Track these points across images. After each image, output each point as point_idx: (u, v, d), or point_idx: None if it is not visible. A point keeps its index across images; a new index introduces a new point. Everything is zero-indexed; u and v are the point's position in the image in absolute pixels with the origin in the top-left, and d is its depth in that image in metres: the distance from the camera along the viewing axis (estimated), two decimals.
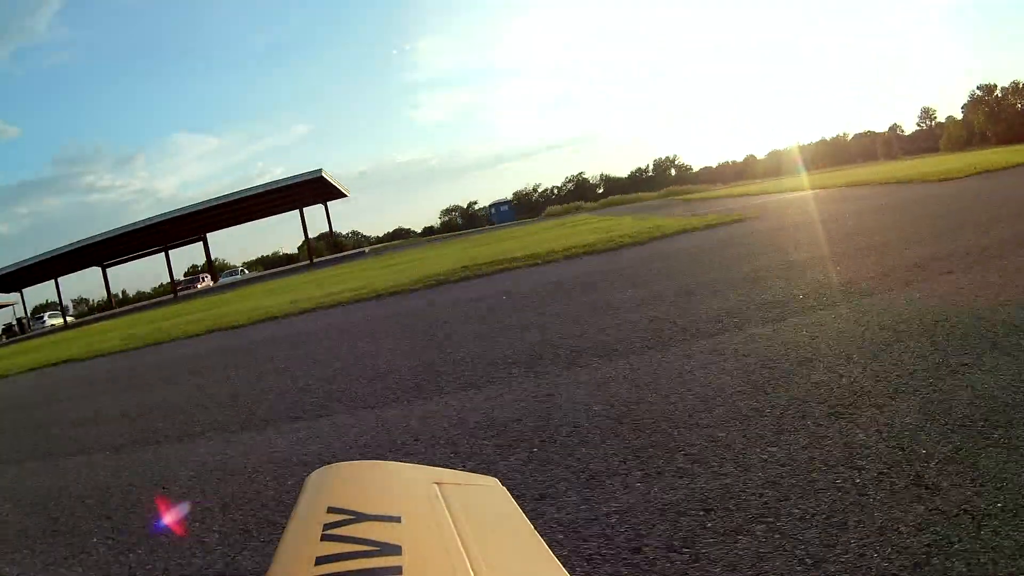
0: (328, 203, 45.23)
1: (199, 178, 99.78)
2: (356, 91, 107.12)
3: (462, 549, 0.45)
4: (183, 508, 2.31)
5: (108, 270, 47.51)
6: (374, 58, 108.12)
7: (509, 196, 61.25)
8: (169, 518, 2.24)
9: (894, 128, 63.03)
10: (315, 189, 40.86)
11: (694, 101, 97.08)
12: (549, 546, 0.50)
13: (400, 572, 0.40)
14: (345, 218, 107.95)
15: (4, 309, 49.72)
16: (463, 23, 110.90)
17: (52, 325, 43.90)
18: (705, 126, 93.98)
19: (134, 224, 40.15)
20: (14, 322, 47.20)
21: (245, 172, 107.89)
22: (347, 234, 46.57)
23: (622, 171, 74.25)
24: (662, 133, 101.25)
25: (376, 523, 0.46)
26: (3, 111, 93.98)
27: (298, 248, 52.99)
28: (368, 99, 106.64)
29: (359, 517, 0.47)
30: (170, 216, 40.32)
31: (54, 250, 39.17)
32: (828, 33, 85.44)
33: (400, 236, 62.92)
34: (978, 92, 58.07)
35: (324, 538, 0.43)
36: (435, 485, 0.56)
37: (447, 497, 0.54)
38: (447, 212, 75.45)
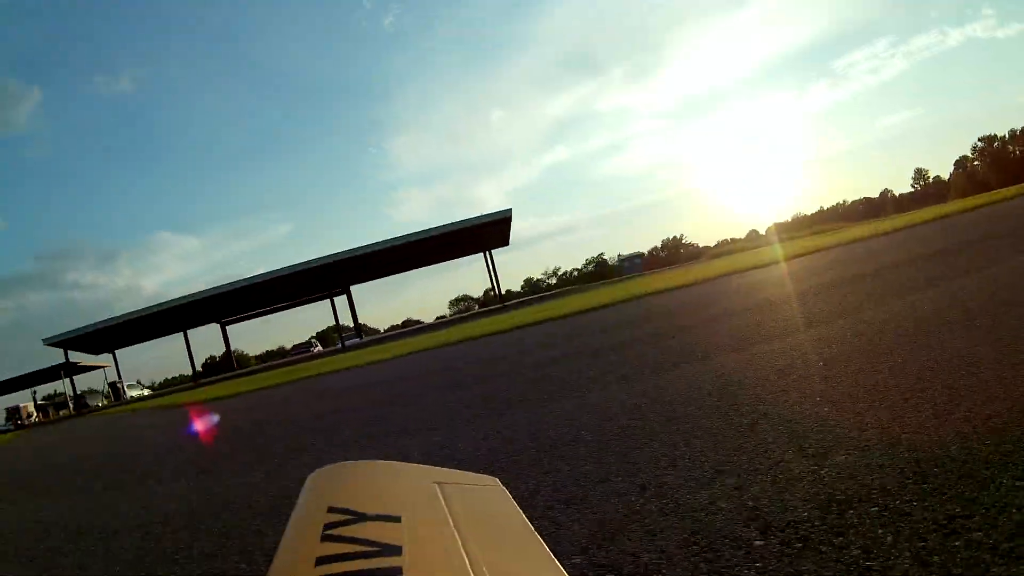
0: (492, 251, 44.53)
1: (182, 277, 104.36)
2: (336, 190, 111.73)
3: (462, 549, 0.44)
4: None
5: (227, 328, 44.54)
6: (352, 157, 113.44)
7: (521, 281, 65.64)
8: None
9: (886, 192, 70.38)
10: (475, 237, 40.08)
11: (697, 180, 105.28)
12: (548, 546, 0.49)
13: (401, 572, 0.39)
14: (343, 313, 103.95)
15: (93, 373, 46.64)
16: (439, 119, 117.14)
17: (132, 396, 41.96)
18: (708, 205, 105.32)
19: (259, 276, 38.19)
20: (105, 388, 44.86)
21: (228, 270, 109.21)
22: (350, 326, 46.38)
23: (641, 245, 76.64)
24: (670, 212, 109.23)
25: (376, 523, 0.45)
26: None
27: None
28: (347, 198, 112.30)
29: (359, 517, 0.46)
30: (302, 268, 38.53)
31: (166, 302, 37.84)
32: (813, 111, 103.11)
33: (410, 324, 64.39)
34: (979, 143, 66.81)
35: (324, 538, 0.43)
36: (435, 485, 0.55)
37: (447, 497, 0.53)
38: (457, 301, 79.47)
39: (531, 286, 77.42)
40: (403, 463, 0.59)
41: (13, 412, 41.58)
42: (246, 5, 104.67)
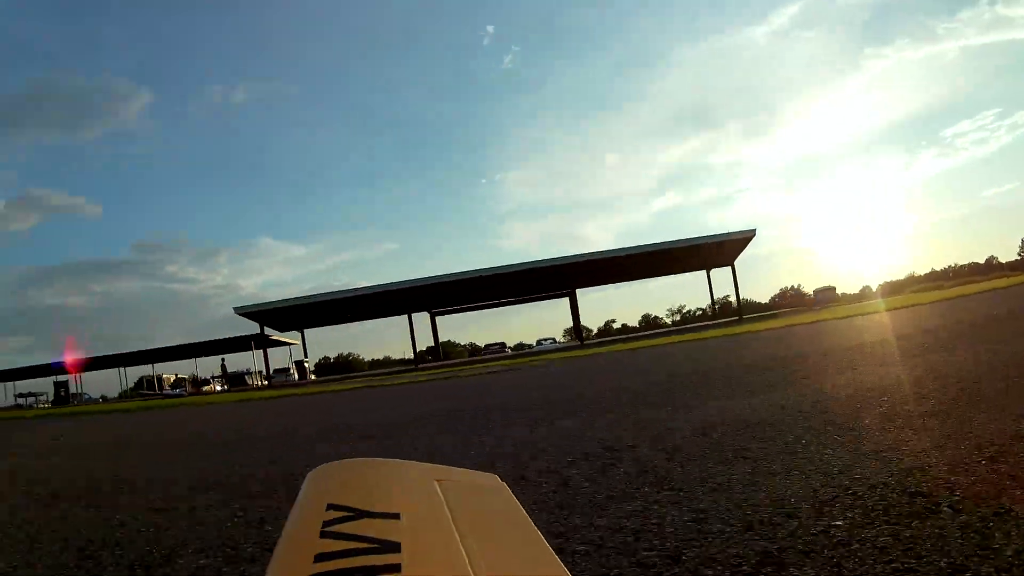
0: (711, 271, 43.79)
1: (282, 280, 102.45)
2: (443, 216, 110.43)
3: (461, 546, 0.44)
4: None
5: (435, 318, 45.77)
6: (462, 187, 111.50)
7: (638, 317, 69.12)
8: None
9: (991, 259, 72.77)
10: (704, 253, 39.76)
11: (804, 239, 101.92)
12: (549, 544, 0.49)
13: (399, 569, 0.39)
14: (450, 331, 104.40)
15: (279, 349, 47.31)
16: (551, 158, 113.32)
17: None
18: (815, 263, 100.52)
19: (470, 271, 38.90)
20: (291, 365, 45.81)
21: (325, 280, 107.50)
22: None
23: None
24: (778, 266, 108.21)
25: (375, 520, 0.45)
26: (87, 189, 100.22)
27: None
28: (455, 224, 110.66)
29: (359, 514, 0.46)
30: (523, 267, 38.89)
31: (372, 287, 38.42)
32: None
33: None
34: None
35: (323, 535, 0.43)
36: (435, 482, 0.55)
37: (447, 494, 0.53)
38: (678, 311, 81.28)
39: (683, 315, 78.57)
40: (403, 461, 0.59)
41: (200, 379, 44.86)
42: (370, 33, 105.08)
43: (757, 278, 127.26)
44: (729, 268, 42.34)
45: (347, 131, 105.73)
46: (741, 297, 45.54)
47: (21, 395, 47.51)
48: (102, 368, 50.59)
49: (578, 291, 45.75)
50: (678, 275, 48.55)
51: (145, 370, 50.99)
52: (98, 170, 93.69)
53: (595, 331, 72.91)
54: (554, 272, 38.58)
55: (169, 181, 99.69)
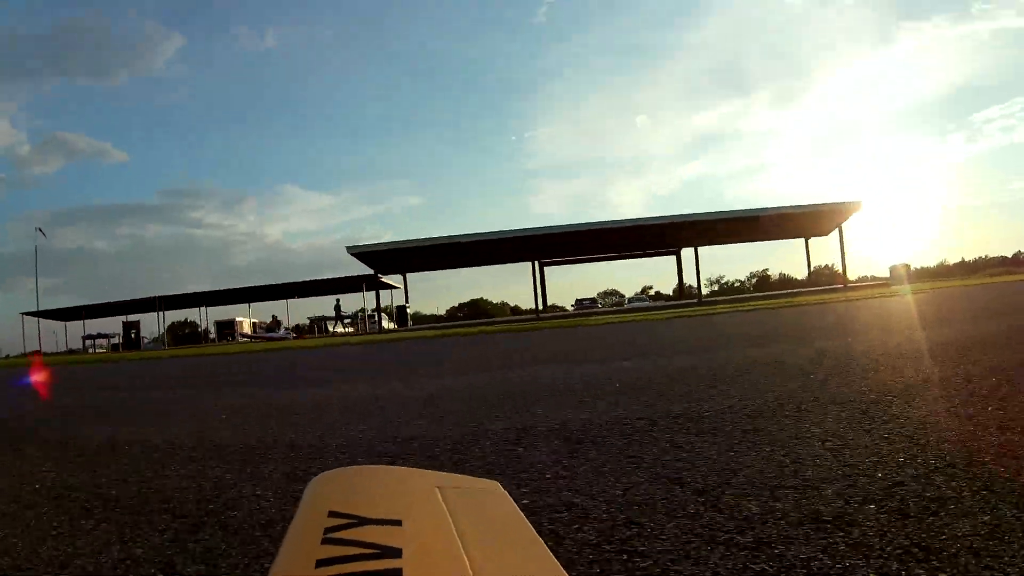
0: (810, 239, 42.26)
1: (306, 231, 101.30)
2: (470, 171, 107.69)
3: (463, 553, 0.44)
4: None
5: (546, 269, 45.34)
6: (491, 142, 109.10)
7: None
8: None
9: (1019, 254, 69.21)
10: (803, 223, 38.54)
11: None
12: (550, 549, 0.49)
13: (400, 575, 0.39)
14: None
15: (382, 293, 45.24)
16: (583, 117, 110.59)
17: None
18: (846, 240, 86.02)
19: (577, 224, 38.90)
20: (392, 311, 44.79)
21: (351, 232, 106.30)
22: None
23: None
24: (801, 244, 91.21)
25: (377, 527, 0.46)
26: (113, 135, 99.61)
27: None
28: (481, 180, 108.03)
29: (360, 521, 0.46)
30: (629, 224, 38.56)
31: (477, 234, 37.57)
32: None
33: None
34: None
35: (325, 541, 0.43)
36: (436, 489, 0.55)
37: (448, 501, 0.53)
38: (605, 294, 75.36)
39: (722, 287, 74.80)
40: (404, 467, 0.60)
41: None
42: None
43: (784, 254, 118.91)
44: (822, 238, 43.06)
45: (378, 79, 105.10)
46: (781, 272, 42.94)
47: (89, 336, 45.68)
48: (176, 308, 48.81)
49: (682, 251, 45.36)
50: (767, 242, 47.93)
51: (190, 314, 49.25)
52: (125, 115, 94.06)
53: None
54: (659, 230, 38.79)
55: (197, 127, 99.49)
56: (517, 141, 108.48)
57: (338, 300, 44.10)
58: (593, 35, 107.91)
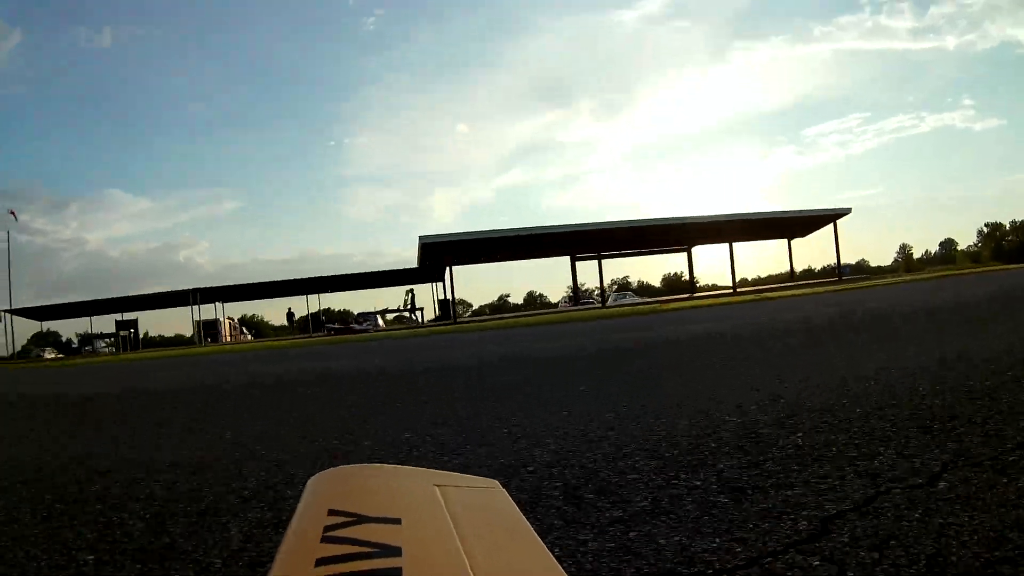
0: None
1: (126, 236, 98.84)
2: (288, 176, 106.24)
3: (462, 551, 0.44)
4: None
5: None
6: (309, 148, 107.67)
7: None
8: None
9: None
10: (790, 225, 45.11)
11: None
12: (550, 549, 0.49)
13: (400, 573, 0.39)
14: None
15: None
16: (402, 124, 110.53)
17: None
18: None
19: (607, 223, 41.68)
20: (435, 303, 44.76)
21: (170, 238, 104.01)
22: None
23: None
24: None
25: (376, 525, 0.46)
26: None
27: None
28: (299, 185, 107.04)
29: (360, 519, 0.46)
30: (647, 224, 41.95)
31: (510, 229, 39.10)
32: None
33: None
34: (985, 228, 71.94)
35: (324, 540, 0.43)
36: (436, 488, 0.55)
37: (447, 499, 0.53)
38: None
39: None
40: (403, 466, 0.60)
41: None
42: None
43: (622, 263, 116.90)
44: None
45: (204, 83, 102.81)
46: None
47: (85, 337, 43.10)
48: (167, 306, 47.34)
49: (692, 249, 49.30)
50: (757, 242, 52.15)
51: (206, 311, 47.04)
52: None
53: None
54: (674, 229, 42.11)
55: (29, 125, 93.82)
56: (335, 147, 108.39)
57: (411, 290, 44.16)
58: (417, 41, 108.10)
